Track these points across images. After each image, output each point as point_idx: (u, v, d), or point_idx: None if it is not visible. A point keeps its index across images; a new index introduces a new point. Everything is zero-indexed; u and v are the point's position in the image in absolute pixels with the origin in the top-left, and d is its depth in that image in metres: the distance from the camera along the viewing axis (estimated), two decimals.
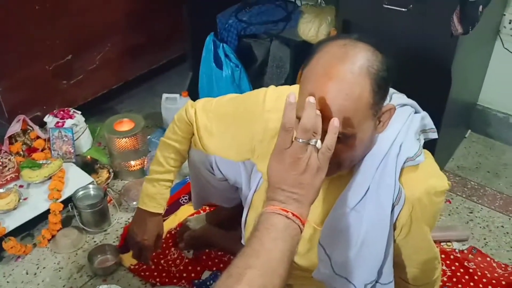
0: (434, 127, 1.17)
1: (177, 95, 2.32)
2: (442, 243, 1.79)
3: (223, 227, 1.78)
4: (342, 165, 1.03)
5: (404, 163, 1.05)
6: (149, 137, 2.24)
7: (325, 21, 2.09)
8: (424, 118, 1.15)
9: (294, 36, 2.24)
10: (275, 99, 1.15)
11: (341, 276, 1.18)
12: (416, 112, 1.15)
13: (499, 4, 1.98)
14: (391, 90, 1.14)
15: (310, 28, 2.16)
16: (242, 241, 1.55)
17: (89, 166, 2.07)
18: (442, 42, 1.58)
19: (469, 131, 2.37)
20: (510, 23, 2.02)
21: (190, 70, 2.51)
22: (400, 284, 1.32)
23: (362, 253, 1.13)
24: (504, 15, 2.03)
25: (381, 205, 1.07)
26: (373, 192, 1.07)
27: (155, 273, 1.68)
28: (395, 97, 1.12)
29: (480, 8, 1.47)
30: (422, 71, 1.64)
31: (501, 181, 2.10)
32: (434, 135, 1.17)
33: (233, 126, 1.27)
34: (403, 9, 1.56)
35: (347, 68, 0.92)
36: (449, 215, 1.93)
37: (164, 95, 2.32)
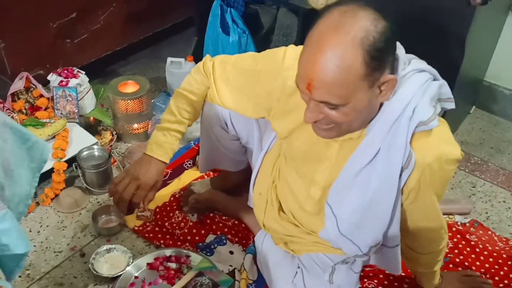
0: (451, 96, 1.16)
1: (182, 60, 2.28)
2: (444, 216, 1.80)
3: (227, 192, 1.78)
4: (340, 128, 1.06)
5: (417, 127, 1.05)
6: (153, 100, 2.22)
7: None
8: (442, 86, 1.14)
9: (303, 4, 2.19)
10: (294, 58, 1.14)
11: (346, 237, 1.19)
12: (435, 80, 1.14)
13: None
14: (410, 55, 1.13)
15: None
16: (249, 203, 1.56)
17: (92, 127, 2.05)
18: (458, 12, 1.55)
19: (474, 107, 2.37)
20: None
21: (196, 34, 2.47)
22: (406, 252, 1.34)
23: (368, 213, 1.15)
24: None
25: (390, 166, 1.07)
26: (384, 154, 1.08)
27: (159, 235, 1.68)
28: (414, 62, 1.11)
29: None
30: (436, 40, 1.62)
31: (504, 157, 2.11)
32: (451, 105, 1.16)
33: (251, 81, 1.26)
34: None
35: (340, 38, 0.94)
36: (451, 188, 1.94)
37: (169, 59, 2.28)
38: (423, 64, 1.13)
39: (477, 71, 2.22)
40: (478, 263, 1.64)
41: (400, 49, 1.09)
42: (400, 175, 1.09)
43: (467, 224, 1.78)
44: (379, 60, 0.96)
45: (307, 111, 1.04)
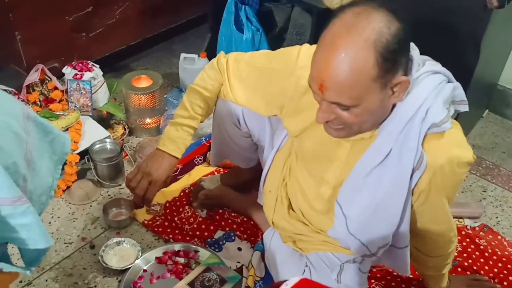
0: (465, 99, 1.16)
1: (195, 56, 2.29)
2: (454, 219, 1.79)
3: (237, 189, 1.79)
4: (351, 129, 1.07)
5: (429, 129, 1.05)
6: (165, 96, 2.23)
7: None
8: (456, 89, 1.14)
9: (317, 3, 2.19)
10: (308, 57, 1.14)
11: (355, 237, 1.20)
12: (449, 82, 1.13)
13: None
14: (425, 57, 1.13)
15: None
16: (259, 201, 1.56)
17: (105, 121, 2.07)
18: (475, 15, 1.55)
19: (487, 110, 2.35)
20: None
21: (210, 31, 2.47)
22: (415, 254, 1.34)
23: (377, 214, 1.15)
24: None
25: (402, 167, 1.08)
26: (395, 154, 1.08)
27: (168, 230, 1.69)
28: (428, 64, 1.11)
29: None
30: (451, 42, 1.61)
31: None
32: (465, 108, 1.16)
33: (265, 79, 1.26)
34: None
35: (352, 40, 0.94)
36: (462, 192, 1.93)
37: (183, 55, 2.29)
38: (437, 66, 1.12)
39: (491, 74, 2.20)
40: (487, 267, 1.63)
41: (414, 50, 1.09)
42: (411, 176, 1.09)
43: (477, 228, 1.77)
44: (391, 62, 0.96)
45: (319, 111, 1.04)
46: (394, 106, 1.07)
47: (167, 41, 2.58)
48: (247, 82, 1.31)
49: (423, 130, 1.05)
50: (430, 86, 1.07)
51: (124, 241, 1.61)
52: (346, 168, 1.19)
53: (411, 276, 1.56)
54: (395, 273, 1.58)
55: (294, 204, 1.44)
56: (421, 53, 1.13)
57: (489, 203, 1.90)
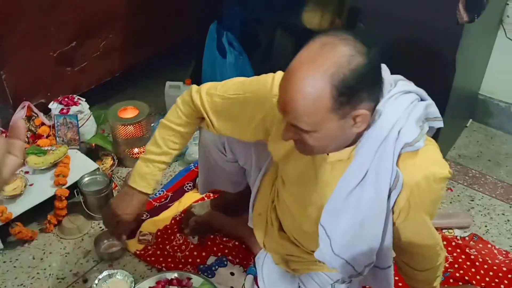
0: (439, 115, 1.19)
1: (180, 83, 2.33)
2: (443, 230, 1.81)
3: (227, 213, 1.80)
4: (314, 151, 1.11)
5: (403, 148, 1.08)
6: (153, 124, 2.25)
7: (328, 9, 2.09)
8: (429, 106, 1.16)
9: (299, 24, 2.24)
10: None
11: (340, 257, 1.21)
12: (422, 100, 1.16)
13: None
14: (398, 76, 1.16)
15: (314, 16, 2.17)
16: (249, 224, 1.58)
17: (93, 153, 2.09)
18: (447, 30, 1.59)
19: (471, 120, 2.39)
20: None
21: (194, 58, 2.51)
22: (404, 269, 1.35)
23: (360, 234, 1.17)
24: (508, 4, 2.04)
25: (379, 188, 1.10)
26: (372, 175, 1.10)
27: (161, 258, 1.70)
28: (400, 84, 1.14)
29: None
30: (427, 59, 1.65)
31: (502, 170, 2.12)
32: (439, 124, 1.19)
33: (241, 109, 1.29)
34: None
35: (312, 70, 0.98)
36: (450, 203, 1.96)
37: (168, 83, 2.33)
38: (409, 86, 1.15)
39: (472, 85, 2.24)
40: (478, 277, 1.65)
41: (385, 72, 1.12)
42: (389, 196, 1.11)
43: (467, 238, 1.79)
44: (348, 96, 0.99)
45: (284, 130, 1.08)
46: (368, 127, 1.10)
47: (152, 69, 2.61)
48: (225, 114, 1.33)
49: (397, 150, 1.07)
50: (402, 106, 1.10)
51: (116, 273, 1.61)
52: (328, 189, 1.21)
53: None
54: None
55: (284, 226, 1.45)
56: (399, 73, 1.16)
57: (477, 212, 1.92)
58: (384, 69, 1.10)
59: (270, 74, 1.25)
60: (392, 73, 1.14)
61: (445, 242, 1.75)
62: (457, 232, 1.81)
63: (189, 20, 2.47)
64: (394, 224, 1.17)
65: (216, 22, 2.32)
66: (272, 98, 1.20)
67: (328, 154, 1.16)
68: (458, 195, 1.99)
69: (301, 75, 0.99)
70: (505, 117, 2.31)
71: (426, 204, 1.14)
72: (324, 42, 1.00)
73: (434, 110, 1.17)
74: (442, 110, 1.63)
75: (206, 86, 1.37)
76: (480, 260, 1.70)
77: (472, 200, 1.97)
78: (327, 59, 0.98)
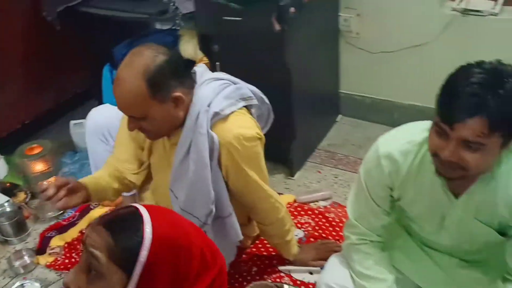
0: (252, 95, 1.55)
1: (83, 120, 2.62)
2: (310, 203, 2.17)
3: None
4: (154, 134, 1.47)
5: (214, 117, 1.43)
6: (63, 160, 2.54)
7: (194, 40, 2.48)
8: (239, 89, 1.53)
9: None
10: None
11: (187, 212, 1.53)
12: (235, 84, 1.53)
13: (333, 7, 2.43)
14: (221, 74, 1.54)
15: (188, 47, 2.55)
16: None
17: (8, 191, 2.35)
18: (273, 40, 1.98)
19: (340, 115, 2.79)
20: (345, 21, 2.47)
21: (96, 101, 2.82)
22: (259, 228, 1.72)
23: (194, 189, 1.49)
24: (340, 15, 2.48)
25: (199, 150, 1.44)
26: (194, 142, 1.45)
27: (69, 266, 1.96)
28: (211, 74, 1.52)
29: (292, 9, 1.89)
30: (264, 66, 2.04)
31: (363, 150, 2.49)
32: (254, 102, 1.55)
33: (124, 134, 1.61)
34: (238, 18, 1.97)
35: (127, 72, 1.35)
36: (318, 182, 2.32)
37: (72, 122, 2.63)
38: (220, 75, 1.54)
39: (329, 85, 2.64)
40: (334, 233, 1.99)
41: (200, 67, 1.50)
42: (211, 155, 1.44)
43: (328, 206, 2.14)
44: (159, 84, 1.35)
45: (127, 123, 1.42)
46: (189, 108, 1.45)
47: (59, 113, 2.88)
48: (119, 139, 1.67)
49: (209, 118, 1.42)
50: (212, 87, 1.47)
51: (28, 282, 1.87)
52: (171, 162, 1.54)
53: (273, 253, 1.89)
54: (265, 253, 1.90)
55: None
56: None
57: (340, 185, 2.29)
58: (200, 65, 1.48)
59: None
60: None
61: (310, 212, 2.10)
62: (322, 203, 2.17)
63: (85, 66, 2.80)
64: (228, 180, 1.50)
65: (108, 64, 2.66)
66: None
67: (169, 138, 1.50)
68: (325, 175, 2.36)
69: (122, 78, 1.35)
70: (365, 108, 2.71)
71: (245, 159, 1.47)
72: (135, 52, 1.37)
73: (246, 92, 1.53)
74: (289, 106, 2.05)
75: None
76: (337, 220, 2.05)
77: (336, 177, 2.34)
78: (137, 62, 1.35)
